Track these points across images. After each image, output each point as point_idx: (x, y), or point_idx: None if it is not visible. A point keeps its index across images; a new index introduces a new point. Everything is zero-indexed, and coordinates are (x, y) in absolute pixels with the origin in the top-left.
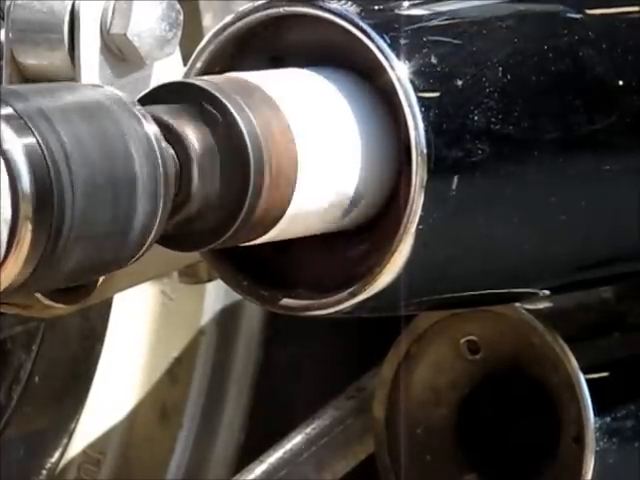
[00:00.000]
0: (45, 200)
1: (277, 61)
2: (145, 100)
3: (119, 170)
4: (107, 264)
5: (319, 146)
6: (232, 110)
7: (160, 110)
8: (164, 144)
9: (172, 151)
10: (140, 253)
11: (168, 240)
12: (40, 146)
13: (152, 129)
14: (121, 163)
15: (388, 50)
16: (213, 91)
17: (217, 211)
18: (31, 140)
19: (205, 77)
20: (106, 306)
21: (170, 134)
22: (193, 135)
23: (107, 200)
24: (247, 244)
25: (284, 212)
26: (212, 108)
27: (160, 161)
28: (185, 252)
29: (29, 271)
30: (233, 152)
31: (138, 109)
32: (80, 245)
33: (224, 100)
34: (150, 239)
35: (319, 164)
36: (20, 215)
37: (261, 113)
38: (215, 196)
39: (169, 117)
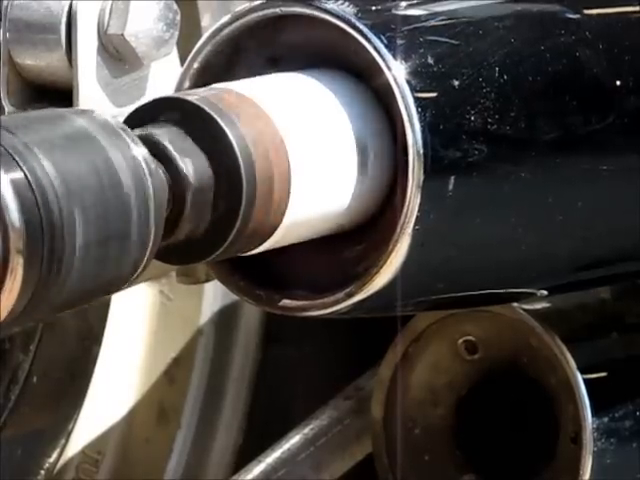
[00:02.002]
0: (35, 233)
1: (274, 61)
2: (134, 116)
3: (108, 197)
4: (103, 289)
5: (314, 153)
6: (223, 126)
7: (149, 130)
8: (153, 165)
9: (162, 171)
10: (135, 275)
11: (161, 255)
12: (28, 180)
13: (140, 152)
14: (110, 190)
15: (385, 50)
16: (204, 107)
17: (210, 227)
18: (19, 175)
19: (196, 90)
20: (104, 306)
21: (161, 154)
22: (184, 153)
23: (98, 229)
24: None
25: (279, 224)
26: (203, 124)
27: (150, 184)
28: (179, 266)
29: (24, 303)
30: (225, 169)
31: (126, 132)
32: (74, 275)
33: (215, 116)
34: (144, 262)
35: (314, 173)
36: (11, 248)
37: (253, 127)
38: (208, 213)
39: (159, 137)
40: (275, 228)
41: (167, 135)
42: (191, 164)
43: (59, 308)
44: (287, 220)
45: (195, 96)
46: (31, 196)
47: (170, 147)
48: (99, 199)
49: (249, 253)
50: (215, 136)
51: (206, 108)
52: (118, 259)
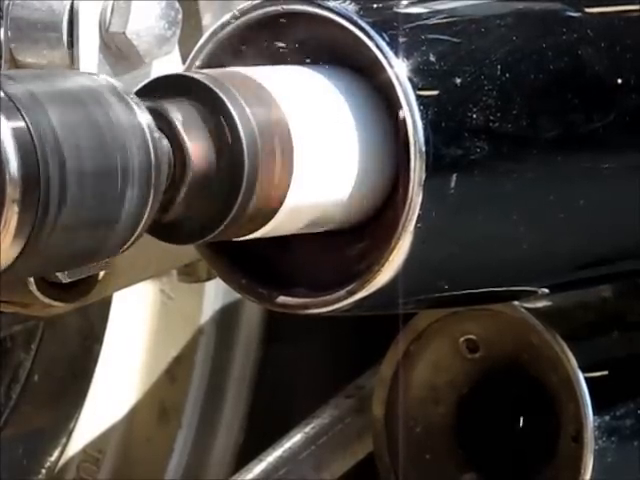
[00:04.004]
0: (32, 184)
1: (276, 59)
2: (142, 91)
3: (109, 157)
4: (96, 252)
5: (316, 143)
6: (229, 104)
7: (155, 101)
8: (157, 134)
9: (165, 141)
10: (130, 242)
11: (160, 232)
12: (29, 130)
13: (145, 118)
14: (111, 151)
15: (387, 48)
16: (210, 84)
17: (209, 204)
18: (20, 124)
19: (204, 70)
20: (105, 305)
21: (164, 125)
22: (188, 127)
23: (96, 187)
24: (243, 239)
25: (278, 208)
26: (209, 101)
27: (152, 151)
28: (177, 245)
29: (15, 254)
30: (228, 146)
31: (132, 98)
32: (67, 230)
33: (221, 94)
34: (140, 228)
35: (316, 161)
36: (6, 197)
37: (258, 108)
38: (208, 188)
39: (164, 108)
40: (275, 212)
41: (173, 109)
42: (194, 141)
43: (50, 265)
44: (287, 205)
45: (201, 74)
46: (31, 146)
47: (175, 121)
48: (99, 157)
49: (248, 237)
50: (219, 115)
51: (212, 86)
52: (113, 220)
